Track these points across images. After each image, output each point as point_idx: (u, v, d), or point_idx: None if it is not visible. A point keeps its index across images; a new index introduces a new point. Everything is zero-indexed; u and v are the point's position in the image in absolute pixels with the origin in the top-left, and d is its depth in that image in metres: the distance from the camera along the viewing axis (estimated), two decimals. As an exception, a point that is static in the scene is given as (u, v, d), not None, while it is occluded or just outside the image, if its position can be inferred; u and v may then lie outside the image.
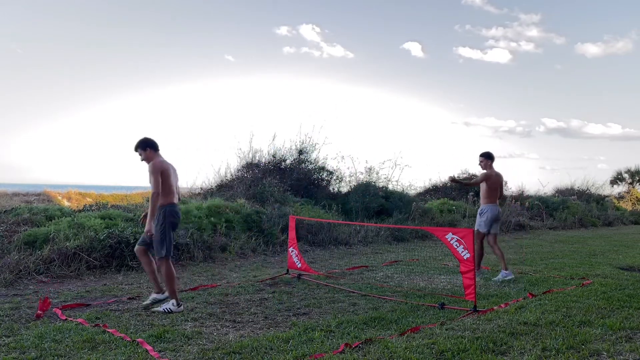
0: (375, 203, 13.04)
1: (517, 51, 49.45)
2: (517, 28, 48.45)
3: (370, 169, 14.31)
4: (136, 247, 5.23)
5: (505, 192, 9.76)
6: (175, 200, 5.09)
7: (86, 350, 3.64)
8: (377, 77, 54.13)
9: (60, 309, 4.78)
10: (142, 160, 5.10)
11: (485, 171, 7.22)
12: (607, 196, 24.84)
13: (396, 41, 52.32)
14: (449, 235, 5.22)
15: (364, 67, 52.93)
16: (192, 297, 5.44)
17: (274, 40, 49.16)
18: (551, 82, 49.74)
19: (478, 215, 7.28)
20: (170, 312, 4.75)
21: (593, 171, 71.01)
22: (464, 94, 53.85)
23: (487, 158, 7.27)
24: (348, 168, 16.49)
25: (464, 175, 19.04)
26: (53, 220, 7.90)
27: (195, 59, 55.45)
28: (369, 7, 49.62)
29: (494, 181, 7.18)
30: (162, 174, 4.93)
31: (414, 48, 53.01)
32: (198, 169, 16.43)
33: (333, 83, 53.76)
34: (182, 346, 3.77)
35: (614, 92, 48.21)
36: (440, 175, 20.54)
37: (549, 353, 3.68)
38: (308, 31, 54.19)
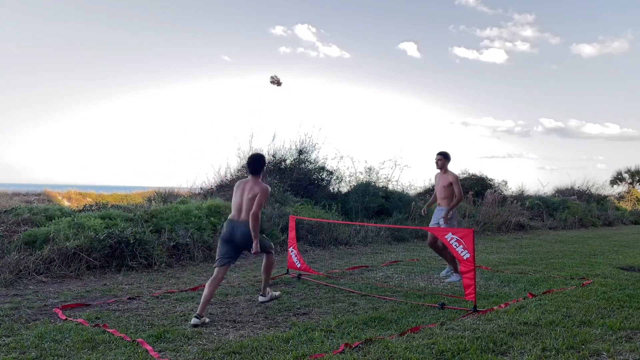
0: (375, 203, 13.03)
1: (513, 51, 49.40)
2: (512, 28, 48.36)
3: (370, 169, 14.32)
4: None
5: (505, 192, 9.67)
6: (231, 216, 4.98)
7: (86, 350, 3.64)
8: (374, 77, 54.03)
9: (60, 309, 4.79)
10: None
11: (455, 174, 6.94)
12: (607, 196, 24.86)
13: (392, 41, 52.26)
14: (449, 236, 5.23)
15: (360, 67, 52.90)
16: (192, 297, 5.46)
17: (270, 41, 49.10)
18: (548, 82, 49.70)
19: (450, 219, 6.97)
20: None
21: (592, 171, 70.95)
22: (461, 93, 53.80)
23: (447, 158, 6.99)
24: (348, 168, 16.51)
25: (464, 176, 19.06)
26: (53, 220, 7.89)
27: (191, 60, 55.41)
28: (364, 8, 49.55)
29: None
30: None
31: (410, 48, 52.97)
32: (198, 169, 16.42)
33: (331, 83, 53.74)
34: (182, 346, 3.77)
35: (612, 92, 48.17)
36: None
37: (549, 353, 3.68)
38: (303, 31, 54.13)
